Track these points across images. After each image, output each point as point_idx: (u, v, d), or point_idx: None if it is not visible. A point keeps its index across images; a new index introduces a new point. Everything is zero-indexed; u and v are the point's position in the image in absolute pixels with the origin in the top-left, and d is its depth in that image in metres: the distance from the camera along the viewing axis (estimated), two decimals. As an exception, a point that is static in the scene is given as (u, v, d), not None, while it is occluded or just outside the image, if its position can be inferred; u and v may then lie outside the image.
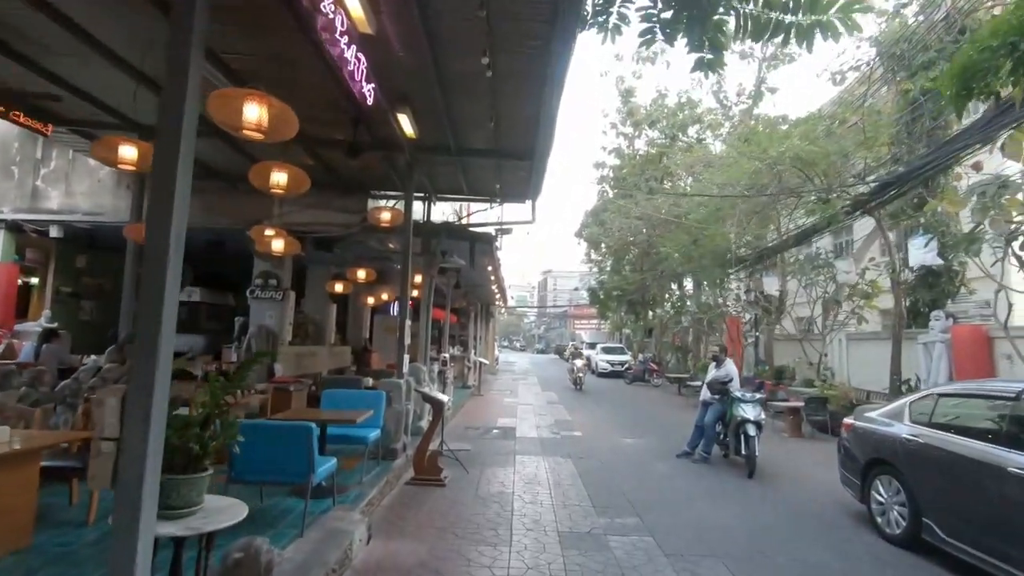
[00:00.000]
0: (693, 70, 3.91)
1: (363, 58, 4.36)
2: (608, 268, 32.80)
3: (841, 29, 3.31)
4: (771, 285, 14.93)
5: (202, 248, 10.44)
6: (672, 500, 6.24)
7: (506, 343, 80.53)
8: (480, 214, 10.06)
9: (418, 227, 9.34)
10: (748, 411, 7.62)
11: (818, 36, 3.42)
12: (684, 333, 24.16)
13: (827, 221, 9.89)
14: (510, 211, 12.63)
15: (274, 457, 4.25)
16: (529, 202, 9.31)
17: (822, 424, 10.61)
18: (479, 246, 9.38)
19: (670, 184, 23.17)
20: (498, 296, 19.31)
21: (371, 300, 13.39)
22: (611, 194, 27.50)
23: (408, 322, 7.78)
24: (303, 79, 5.69)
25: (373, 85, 4.75)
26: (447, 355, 10.11)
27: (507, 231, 9.38)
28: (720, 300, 15.88)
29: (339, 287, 10.50)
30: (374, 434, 5.93)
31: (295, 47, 5.07)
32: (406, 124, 6.12)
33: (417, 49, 4.93)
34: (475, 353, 19.04)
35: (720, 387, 8.09)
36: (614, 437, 10.35)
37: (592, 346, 34.72)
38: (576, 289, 70.55)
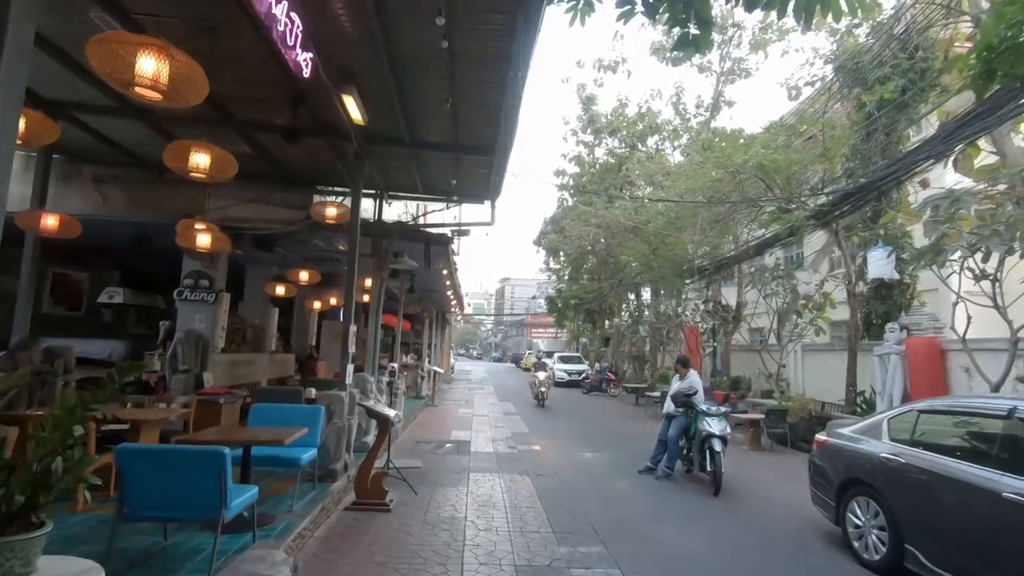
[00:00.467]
0: (676, 48, 3.49)
1: (297, 19, 3.75)
2: (566, 276, 32.68)
3: (844, 8, 2.95)
4: (729, 295, 14.90)
5: (127, 244, 9.43)
6: (637, 523, 5.79)
7: (462, 351, 79.68)
8: (436, 215, 9.46)
9: (368, 226, 8.68)
10: (713, 425, 7.29)
11: (817, 13, 3.06)
12: (641, 343, 24.10)
13: (789, 231, 9.78)
14: (468, 213, 12.10)
15: (178, 488, 3.54)
16: (488, 203, 8.79)
17: (782, 436, 10.47)
18: (434, 248, 8.78)
19: (629, 193, 23.21)
20: (454, 302, 18.67)
21: (318, 304, 12.53)
22: (571, 202, 27.38)
23: (353, 328, 7.11)
24: (233, 49, 4.99)
25: (311, 55, 4.13)
26: (395, 364, 9.44)
27: (465, 232, 8.78)
28: (680, 310, 15.76)
29: (280, 289, 9.66)
30: (308, 455, 5.23)
31: (223, 10, 4.40)
32: (352, 108, 5.50)
33: (363, 16, 4.34)
34: (429, 362, 18.31)
35: (684, 400, 7.74)
36: (573, 451, 9.89)
37: (549, 355, 34.43)
38: (534, 298, 70.43)
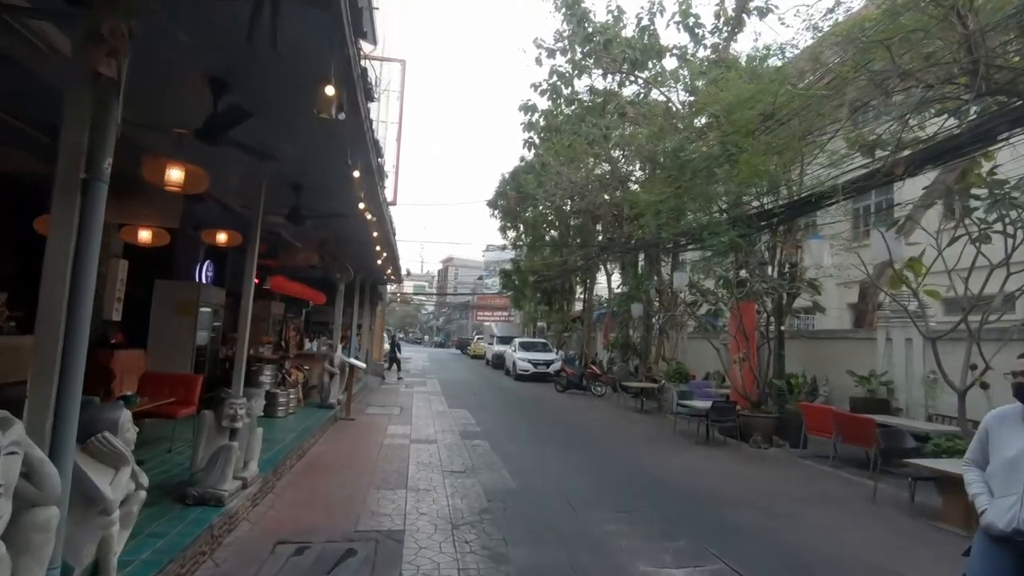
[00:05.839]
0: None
1: None
2: (526, 245, 27.22)
3: None
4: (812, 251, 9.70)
5: None
6: None
7: (401, 335, 72.91)
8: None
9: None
10: None
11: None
12: (632, 326, 18.89)
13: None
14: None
15: None
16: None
17: None
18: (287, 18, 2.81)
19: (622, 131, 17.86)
20: (384, 255, 12.26)
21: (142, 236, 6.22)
22: (540, 147, 21.57)
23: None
24: None
25: None
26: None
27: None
28: (742, 274, 10.41)
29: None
30: None
31: None
32: None
33: None
34: (345, 351, 12.21)
35: None
36: (643, 564, 4.29)
37: (506, 341, 28.95)
38: (480, 278, 64.87)
